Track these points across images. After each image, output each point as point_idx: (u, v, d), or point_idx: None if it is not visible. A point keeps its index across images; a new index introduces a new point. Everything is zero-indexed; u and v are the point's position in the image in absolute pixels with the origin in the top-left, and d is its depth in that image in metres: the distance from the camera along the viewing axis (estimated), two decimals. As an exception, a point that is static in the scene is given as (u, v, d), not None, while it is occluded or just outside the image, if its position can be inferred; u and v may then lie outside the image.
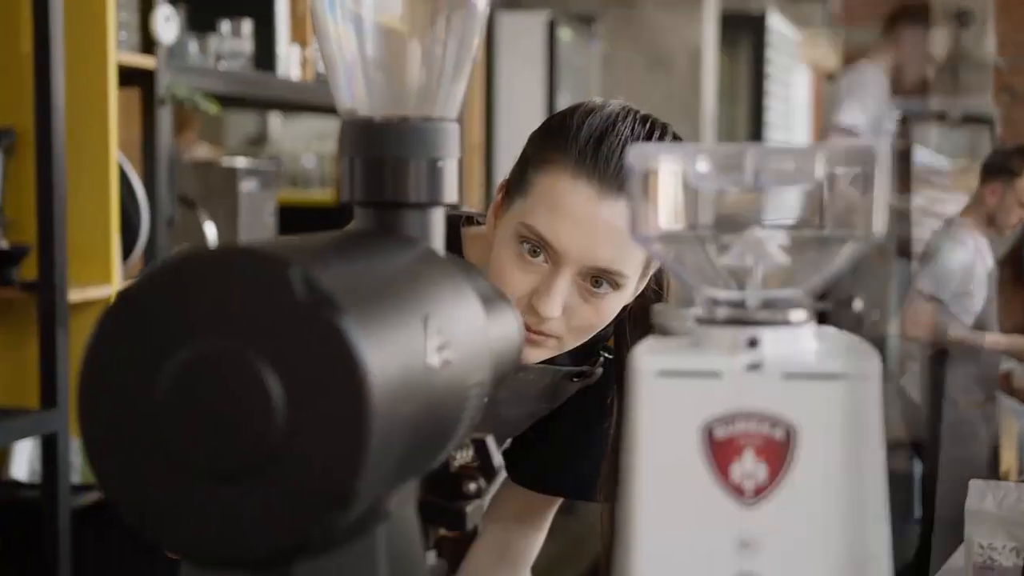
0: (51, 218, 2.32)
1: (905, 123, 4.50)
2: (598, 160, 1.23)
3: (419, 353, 0.68)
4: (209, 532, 0.63)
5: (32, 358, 2.37)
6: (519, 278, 1.26)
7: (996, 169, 4.35)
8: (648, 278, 1.35)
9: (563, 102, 6.48)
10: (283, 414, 0.61)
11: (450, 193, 0.83)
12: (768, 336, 0.70)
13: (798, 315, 0.72)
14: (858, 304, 4.30)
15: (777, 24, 7.43)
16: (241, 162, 3.12)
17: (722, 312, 0.72)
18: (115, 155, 2.48)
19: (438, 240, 0.83)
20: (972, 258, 4.23)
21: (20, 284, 2.35)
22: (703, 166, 0.72)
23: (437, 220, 0.83)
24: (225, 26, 2.96)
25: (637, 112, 1.29)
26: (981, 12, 9.32)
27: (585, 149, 1.24)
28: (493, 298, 0.88)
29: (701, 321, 0.73)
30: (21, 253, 2.36)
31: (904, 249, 4.89)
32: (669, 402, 0.70)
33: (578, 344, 1.32)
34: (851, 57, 9.83)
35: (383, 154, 0.81)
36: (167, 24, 2.61)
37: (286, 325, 0.62)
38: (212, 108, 2.73)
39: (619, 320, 1.36)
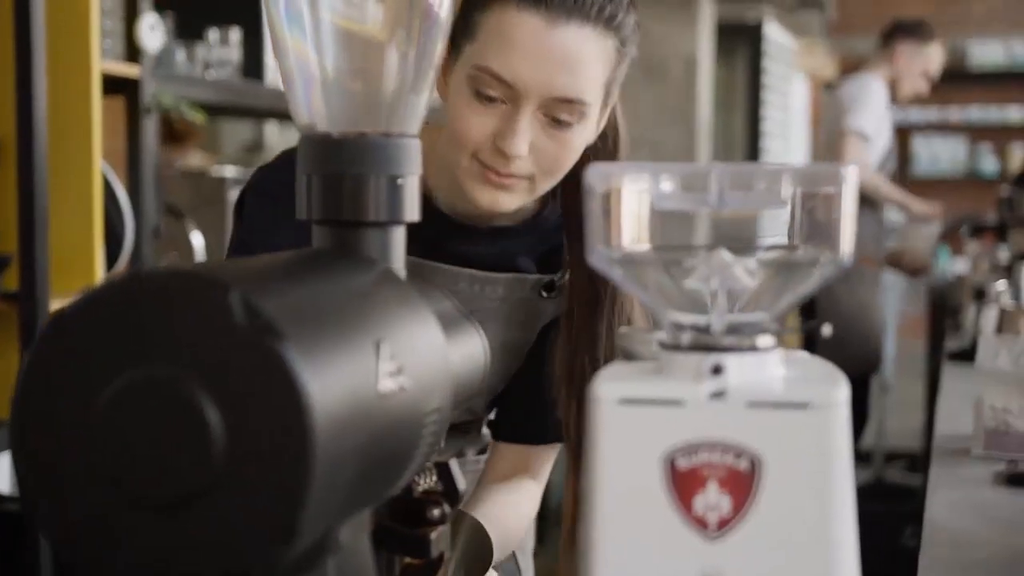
0: (32, 227, 2.29)
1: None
2: None
3: (370, 379, 0.65)
4: (144, 563, 0.60)
5: (13, 369, 2.34)
6: (478, 122, 1.23)
7: (903, 33, 4.47)
8: (609, 109, 1.31)
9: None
10: (222, 444, 0.59)
11: (411, 211, 0.81)
12: (733, 363, 0.68)
13: (765, 340, 0.69)
14: (827, 330, 4.33)
15: (774, 33, 7.41)
16: (231, 171, 3.10)
17: (686, 337, 0.70)
18: (99, 164, 2.45)
19: (398, 259, 0.81)
20: (884, 101, 4.42)
21: (1, 295, 2.33)
22: (667, 186, 0.69)
23: (398, 239, 0.81)
24: (213, 34, 2.94)
25: None
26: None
27: None
28: (455, 319, 0.86)
29: (665, 346, 0.70)
30: (2, 263, 2.33)
31: (895, 261, 4.92)
32: (630, 431, 0.67)
33: (549, 187, 1.29)
34: (848, 66, 9.82)
35: (341, 171, 0.79)
36: (152, 32, 2.59)
37: (226, 351, 0.59)
38: (198, 117, 2.71)
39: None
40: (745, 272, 0.69)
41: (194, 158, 3.97)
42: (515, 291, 1.36)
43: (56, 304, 2.36)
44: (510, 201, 1.27)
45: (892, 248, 4.75)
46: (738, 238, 0.71)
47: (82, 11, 2.43)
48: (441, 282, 1.33)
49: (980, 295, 3.22)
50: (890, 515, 4.74)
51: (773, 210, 0.69)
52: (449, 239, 1.36)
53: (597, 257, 0.70)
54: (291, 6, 0.80)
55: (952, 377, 2.73)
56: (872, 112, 4.35)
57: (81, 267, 2.44)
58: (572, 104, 1.21)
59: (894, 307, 6.22)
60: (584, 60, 1.21)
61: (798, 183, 0.68)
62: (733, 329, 0.70)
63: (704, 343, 0.69)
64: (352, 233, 0.79)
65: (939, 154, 10.09)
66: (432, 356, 0.75)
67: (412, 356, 0.71)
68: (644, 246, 0.71)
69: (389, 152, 0.80)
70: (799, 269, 0.70)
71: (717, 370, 0.68)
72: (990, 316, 2.95)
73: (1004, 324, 2.91)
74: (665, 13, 5.31)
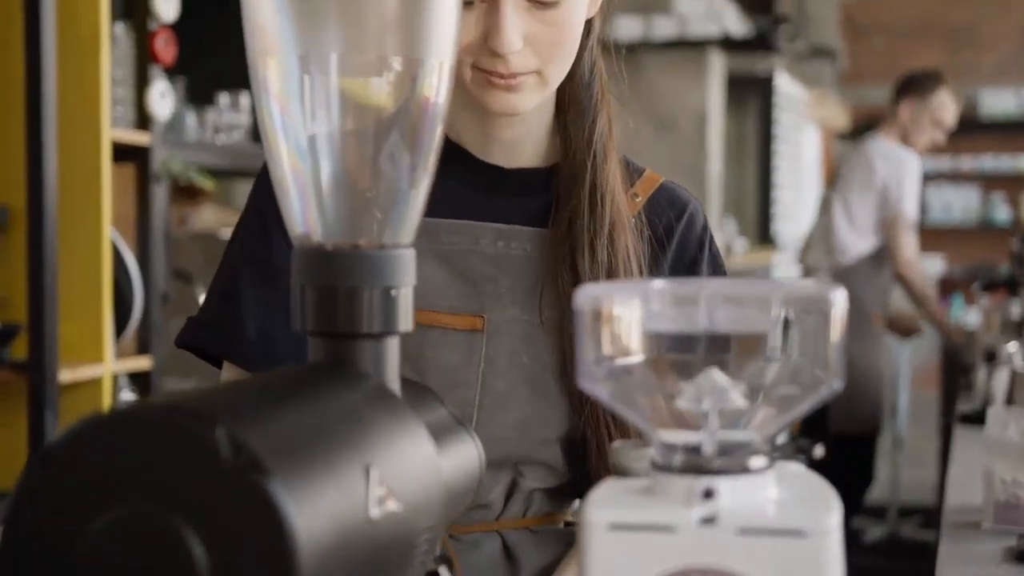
0: (42, 297, 2.30)
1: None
2: None
3: (359, 507, 0.65)
4: None
5: (21, 440, 2.34)
6: (463, 29, 1.14)
7: (905, 88, 4.47)
8: None
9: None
10: (208, 581, 0.58)
11: (405, 321, 0.81)
12: (725, 486, 0.67)
13: (757, 462, 0.69)
14: (819, 451, 4.35)
15: (785, 84, 7.43)
16: (240, 233, 3.10)
17: (677, 459, 0.69)
18: (108, 232, 2.46)
19: (392, 370, 0.80)
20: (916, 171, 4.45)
21: (10, 364, 2.33)
22: (656, 306, 0.69)
23: (391, 350, 0.81)
24: (223, 99, 2.96)
25: None
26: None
27: None
28: (448, 426, 0.86)
29: (656, 467, 0.70)
30: (12, 332, 2.34)
31: (898, 325, 4.91)
32: (621, 556, 0.67)
33: (562, 75, 1.20)
34: (860, 116, 9.86)
35: (335, 283, 0.79)
36: (162, 100, 2.61)
37: (212, 488, 0.59)
38: (207, 184, 2.72)
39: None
40: (737, 393, 0.69)
41: (208, 212, 3.99)
42: (543, 247, 1.25)
43: (65, 374, 2.36)
44: (523, 100, 1.19)
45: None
46: (729, 357, 0.71)
47: (93, 80, 2.45)
48: (460, 241, 1.25)
49: (991, 357, 3.21)
50: (904, 573, 4.70)
51: (763, 330, 0.69)
52: (476, 188, 1.28)
53: (586, 376, 0.70)
54: (286, 116, 0.81)
55: (963, 442, 2.72)
56: (911, 192, 4.39)
57: (90, 336, 2.45)
58: None
59: (907, 360, 6.20)
60: None
61: (788, 304, 0.68)
62: (724, 450, 0.69)
63: (695, 465, 0.69)
64: (346, 345, 0.79)
65: (952, 203, 10.08)
66: (424, 474, 0.74)
67: (403, 477, 0.71)
68: (633, 366, 0.71)
69: (383, 264, 0.80)
70: (791, 391, 0.69)
71: (708, 494, 0.67)
72: (1001, 379, 2.93)
73: (1016, 387, 2.89)
74: (675, 67, 5.33)
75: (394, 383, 0.80)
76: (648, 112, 5.25)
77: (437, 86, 0.81)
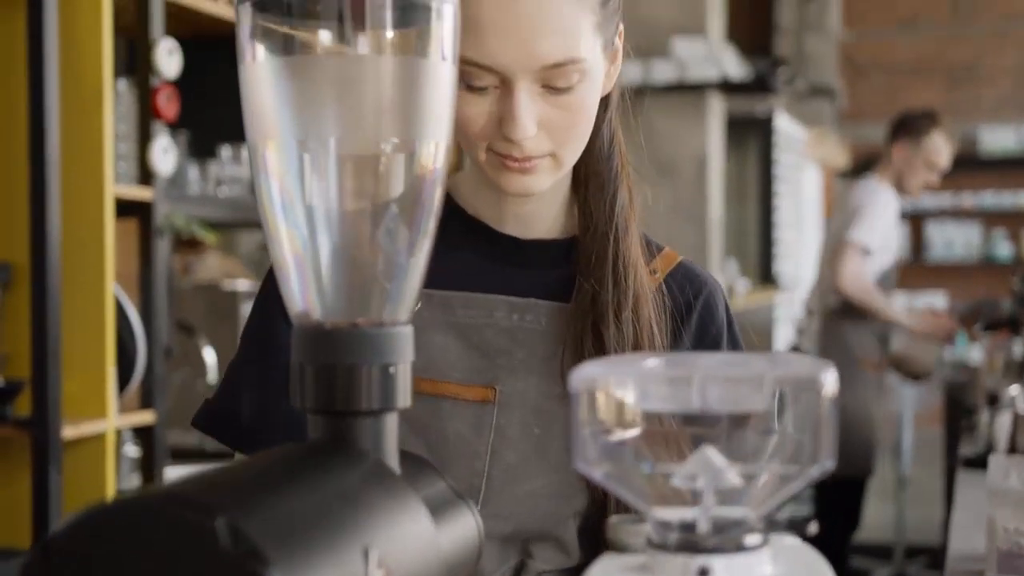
0: (45, 355, 2.31)
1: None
2: None
3: (358, 590, 0.66)
4: None
5: (24, 497, 2.35)
6: (477, 114, 1.14)
7: (898, 130, 4.47)
8: (619, 51, 1.23)
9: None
10: (209, 670, 0.59)
11: (404, 398, 0.82)
12: (720, 564, 0.68)
13: (752, 539, 0.70)
14: (813, 527, 4.40)
15: (784, 124, 7.47)
16: (244, 285, 3.13)
17: (672, 537, 0.70)
18: (111, 288, 2.48)
19: (390, 446, 0.81)
20: (892, 215, 4.41)
21: (14, 421, 2.34)
22: (650, 386, 0.70)
23: (390, 426, 0.82)
24: (225, 152, 2.99)
25: None
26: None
27: None
28: (448, 500, 0.86)
29: (652, 545, 0.71)
30: (15, 389, 2.35)
31: (897, 364, 4.90)
32: (617, 636, 0.67)
33: (576, 155, 1.19)
34: (860, 154, 9.91)
35: (334, 362, 0.80)
36: (165, 155, 2.63)
37: (212, 577, 0.60)
38: (209, 238, 2.74)
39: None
40: (732, 471, 0.70)
41: (212, 260, 4.01)
42: (559, 321, 1.24)
43: (68, 430, 2.37)
44: (538, 182, 1.18)
45: (895, 351, 4.74)
46: (724, 434, 0.72)
47: (96, 136, 2.47)
48: (475, 314, 1.24)
49: (994, 400, 3.21)
50: (912, 616, 4.68)
51: (756, 409, 0.70)
52: (492, 259, 1.27)
53: (580, 456, 0.71)
54: (284, 197, 0.82)
55: (966, 487, 2.71)
56: (878, 224, 4.37)
57: (93, 391, 2.46)
58: (564, 66, 1.12)
59: (911, 399, 6.19)
60: (560, 16, 1.12)
61: (780, 385, 0.69)
62: (719, 528, 0.70)
63: (690, 543, 0.69)
64: (345, 422, 0.80)
65: (953, 240, 10.11)
66: (422, 551, 0.75)
67: (401, 557, 0.71)
68: (628, 445, 0.72)
69: (381, 342, 0.81)
70: (785, 469, 0.70)
71: (704, 573, 0.68)
72: (1004, 422, 2.93)
73: (1019, 431, 2.89)
74: (675, 111, 5.36)
75: (393, 459, 0.81)
76: (648, 156, 5.28)
77: (434, 166, 0.83)
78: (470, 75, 1.12)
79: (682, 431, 0.72)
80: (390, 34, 0.79)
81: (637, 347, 1.21)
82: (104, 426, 2.48)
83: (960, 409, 4.63)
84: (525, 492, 1.22)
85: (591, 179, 1.27)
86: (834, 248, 4.43)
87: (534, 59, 1.11)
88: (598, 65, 1.17)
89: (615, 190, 1.26)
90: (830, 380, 0.69)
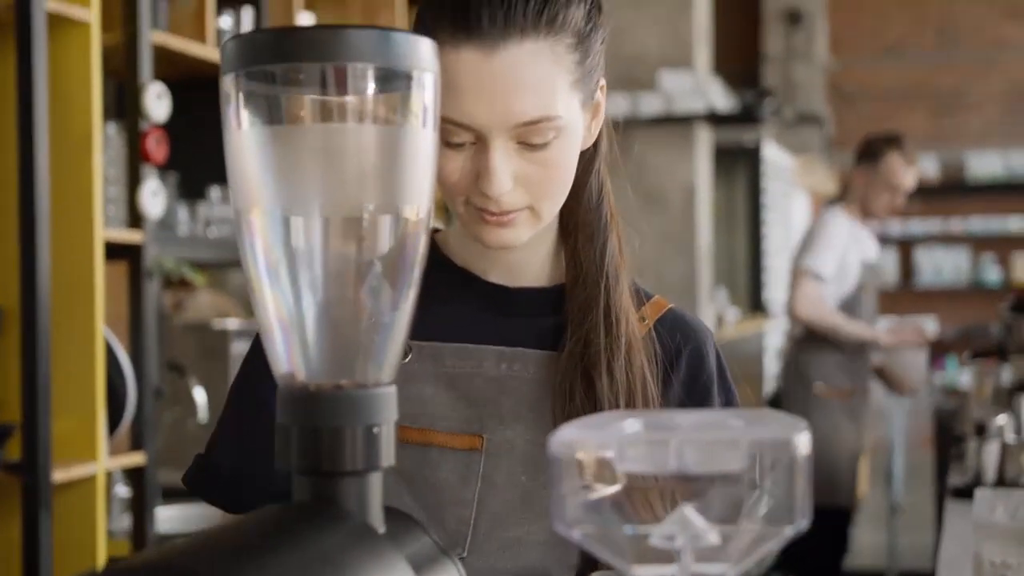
0: (35, 398, 2.32)
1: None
2: (470, 16, 1.12)
3: (342, 655, 0.67)
4: None
5: (15, 540, 2.35)
6: (455, 170, 1.16)
7: (858, 157, 4.48)
8: (600, 107, 1.24)
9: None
10: None
11: (387, 456, 0.83)
12: (699, 623, 0.69)
13: (730, 599, 0.71)
14: None
15: (772, 154, 7.51)
16: (233, 323, 3.14)
17: (652, 597, 0.71)
18: (101, 332, 2.49)
19: (375, 505, 0.83)
20: (846, 242, 4.38)
21: (4, 465, 2.35)
22: (628, 450, 0.72)
23: (375, 485, 0.83)
24: (215, 192, 3.00)
25: None
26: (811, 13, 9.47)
27: (455, 11, 1.13)
28: (432, 557, 0.88)
29: (632, 604, 0.72)
30: (6, 433, 2.35)
31: (884, 377, 4.89)
32: None
33: (555, 208, 1.20)
34: (848, 180, 9.95)
35: (319, 423, 0.81)
36: (154, 199, 2.65)
37: (199, 646, 0.61)
38: (198, 280, 2.75)
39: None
40: (710, 530, 0.71)
41: (203, 297, 4.02)
42: (548, 369, 1.25)
43: (59, 474, 2.38)
44: (517, 235, 1.20)
45: (879, 363, 4.73)
46: (702, 495, 0.73)
47: (85, 180, 2.49)
48: (464, 364, 1.25)
49: (981, 430, 3.22)
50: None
51: (733, 470, 0.71)
52: (480, 308, 1.28)
53: (559, 517, 0.72)
54: (269, 260, 0.84)
55: (954, 517, 2.72)
56: (830, 250, 4.37)
57: (84, 434, 2.47)
58: (539, 124, 1.14)
59: (902, 425, 6.21)
60: (537, 75, 1.14)
61: (754, 448, 0.70)
62: (698, 587, 0.71)
63: (670, 603, 0.71)
64: (330, 483, 0.81)
65: (942, 265, 10.15)
66: (407, 612, 0.76)
67: (386, 618, 0.73)
68: (607, 506, 0.73)
69: (365, 403, 0.82)
70: (761, 528, 0.71)
71: (683, 631, 0.69)
72: (992, 452, 2.94)
73: (1006, 460, 2.90)
74: (663, 143, 5.39)
75: (377, 518, 0.82)
76: (637, 187, 5.30)
77: (416, 229, 0.84)
78: (449, 133, 1.14)
79: (661, 491, 0.73)
80: (372, 103, 0.81)
81: (630, 395, 1.22)
82: (95, 468, 2.49)
83: (950, 435, 4.64)
84: (511, 539, 1.22)
85: (580, 229, 1.28)
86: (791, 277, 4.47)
87: (509, 117, 1.13)
88: (576, 121, 1.18)
89: (605, 239, 1.27)
90: (803, 442, 0.70)
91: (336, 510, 0.80)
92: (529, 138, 1.15)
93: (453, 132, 1.14)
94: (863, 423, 4.58)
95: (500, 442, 1.23)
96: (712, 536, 0.72)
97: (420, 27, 1.17)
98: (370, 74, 0.80)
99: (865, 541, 6.72)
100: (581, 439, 0.72)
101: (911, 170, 4.52)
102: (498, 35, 1.12)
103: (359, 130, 0.81)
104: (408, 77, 0.82)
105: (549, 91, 1.14)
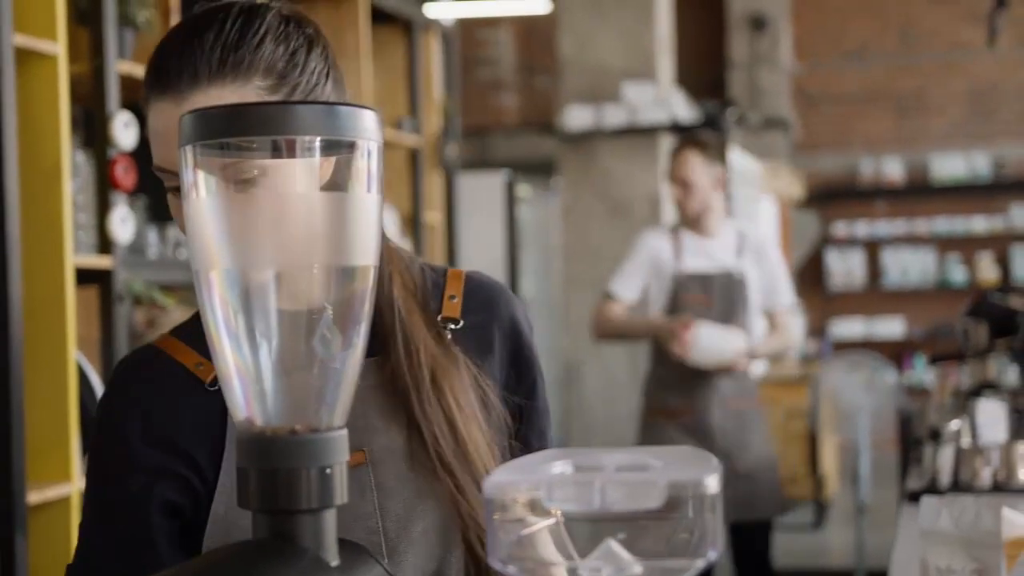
0: (9, 422, 2.37)
1: None
2: (162, 72, 1.20)
3: None
4: None
5: (-10, 564, 2.40)
6: (179, 217, 1.21)
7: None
8: None
9: (524, 255, 6.65)
10: None
11: (340, 495, 0.90)
12: (621, 649, 0.76)
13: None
14: None
15: (738, 160, 7.59)
16: (203, 342, 3.18)
17: (580, 626, 0.78)
18: (73, 355, 2.54)
19: (330, 540, 0.89)
20: (646, 257, 4.16)
21: (-23, 488, 2.40)
22: (556, 492, 0.79)
23: (329, 522, 0.90)
24: (183, 215, 3.06)
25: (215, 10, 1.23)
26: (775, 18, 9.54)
27: (155, 70, 1.21)
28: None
29: (562, 631, 0.79)
30: (-20, 457, 2.40)
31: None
32: None
33: None
34: (814, 183, 10.08)
35: (275, 465, 0.88)
36: (123, 225, 2.70)
37: None
38: (168, 303, 2.81)
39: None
40: (632, 562, 0.78)
41: (176, 315, 4.06)
42: (380, 374, 1.31)
43: (33, 495, 2.43)
44: None
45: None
46: (625, 529, 0.80)
47: (55, 208, 2.54)
48: None
49: (936, 435, 3.29)
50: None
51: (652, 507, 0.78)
52: None
53: (494, 554, 0.79)
54: (226, 316, 0.90)
55: (908, 521, 2.79)
56: (625, 271, 4.17)
57: (56, 458, 2.52)
58: (238, 164, 1.07)
59: (867, 424, 6.30)
60: None
61: (671, 489, 0.77)
62: (623, 614, 0.78)
63: (596, 630, 0.78)
64: (286, 520, 0.88)
65: (908, 266, 10.27)
66: (358, 641, 0.83)
67: (338, 648, 0.79)
68: (538, 543, 0.80)
69: (318, 446, 0.89)
70: (678, 561, 0.79)
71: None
72: (947, 456, 3.02)
73: (961, 464, 2.98)
74: (627, 153, 5.47)
75: (331, 553, 0.89)
76: (602, 197, 5.38)
77: (363, 282, 0.91)
78: (167, 179, 1.22)
79: (586, 527, 0.80)
80: (320, 170, 0.87)
81: (451, 422, 1.27)
82: (69, 489, 2.54)
83: (911, 437, 4.69)
84: (419, 532, 1.28)
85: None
86: None
87: None
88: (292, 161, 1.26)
89: (389, 274, 1.31)
90: (712, 482, 0.77)
91: (292, 546, 0.87)
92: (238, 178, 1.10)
93: (168, 178, 1.22)
94: (707, 437, 4.17)
95: (380, 449, 1.28)
96: (635, 568, 0.79)
97: (142, 91, 1.25)
98: (317, 144, 0.87)
99: (833, 540, 6.81)
100: (512, 482, 0.79)
101: (674, 161, 4.18)
102: (186, 86, 1.19)
103: (308, 195, 0.88)
104: (352, 146, 0.89)
105: None
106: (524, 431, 1.37)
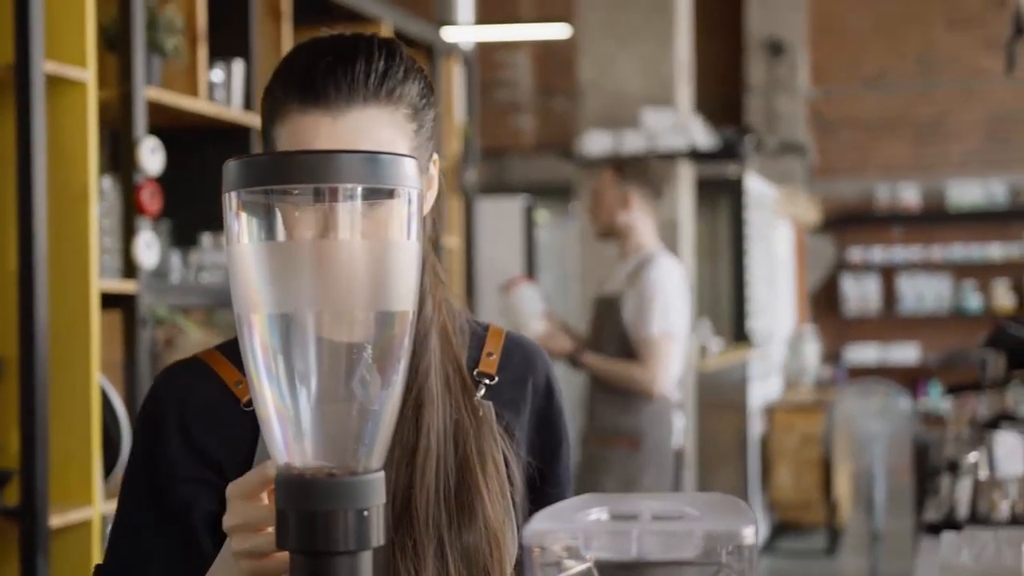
0: (33, 445, 2.39)
1: None
2: (317, 85, 1.21)
3: None
4: None
5: (13, 585, 2.42)
6: (299, 232, 1.21)
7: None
8: (434, 181, 1.32)
9: (542, 280, 6.67)
10: None
11: (377, 537, 0.91)
12: None
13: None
14: None
15: (755, 185, 7.61)
16: (223, 365, 3.20)
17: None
18: (97, 379, 2.56)
19: (366, 582, 0.91)
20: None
21: (2, 511, 2.41)
22: (594, 541, 0.80)
23: (365, 564, 0.91)
24: (206, 239, 3.08)
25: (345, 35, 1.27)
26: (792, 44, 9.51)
27: (304, 81, 1.22)
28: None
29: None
30: (5, 479, 2.42)
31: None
32: None
33: None
34: (831, 209, 10.07)
35: (314, 508, 0.89)
36: (148, 250, 2.72)
37: None
38: (191, 328, 2.83)
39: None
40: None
41: (194, 335, 4.08)
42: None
43: (55, 519, 2.44)
44: None
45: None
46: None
47: (82, 233, 2.56)
48: None
49: (954, 467, 3.29)
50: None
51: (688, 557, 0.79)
52: None
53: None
54: (267, 360, 0.92)
55: (927, 553, 2.79)
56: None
57: (79, 481, 2.54)
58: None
59: (882, 453, 6.29)
60: (378, 137, 1.23)
61: (707, 539, 0.78)
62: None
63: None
64: (323, 563, 0.89)
65: (924, 292, 10.25)
66: None
67: None
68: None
69: (356, 489, 0.90)
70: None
71: None
72: (964, 488, 3.01)
73: (979, 497, 2.97)
74: (645, 178, 5.47)
75: (368, 598, 0.90)
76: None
77: (402, 326, 0.93)
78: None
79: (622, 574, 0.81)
80: (361, 218, 0.89)
81: (414, 451, 1.26)
82: (90, 513, 2.56)
83: (928, 464, 4.67)
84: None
85: None
86: None
87: None
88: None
89: (421, 304, 1.30)
90: (750, 533, 0.78)
91: (330, 588, 0.88)
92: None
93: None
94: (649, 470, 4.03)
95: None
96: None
97: (269, 99, 1.25)
98: (358, 192, 0.89)
99: (848, 567, 6.79)
100: (551, 530, 0.80)
101: (596, 180, 4.22)
102: (343, 101, 1.21)
103: (349, 243, 0.89)
104: (392, 193, 0.90)
105: (389, 150, 1.21)
106: (541, 496, 1.35)
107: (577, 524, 0.80)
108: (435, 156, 1.34)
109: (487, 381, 1.33)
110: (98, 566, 1.32)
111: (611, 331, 4.06)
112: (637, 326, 3.98)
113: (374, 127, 1.23)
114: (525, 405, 1.36)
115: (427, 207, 1.33)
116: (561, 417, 1.39)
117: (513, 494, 1.29)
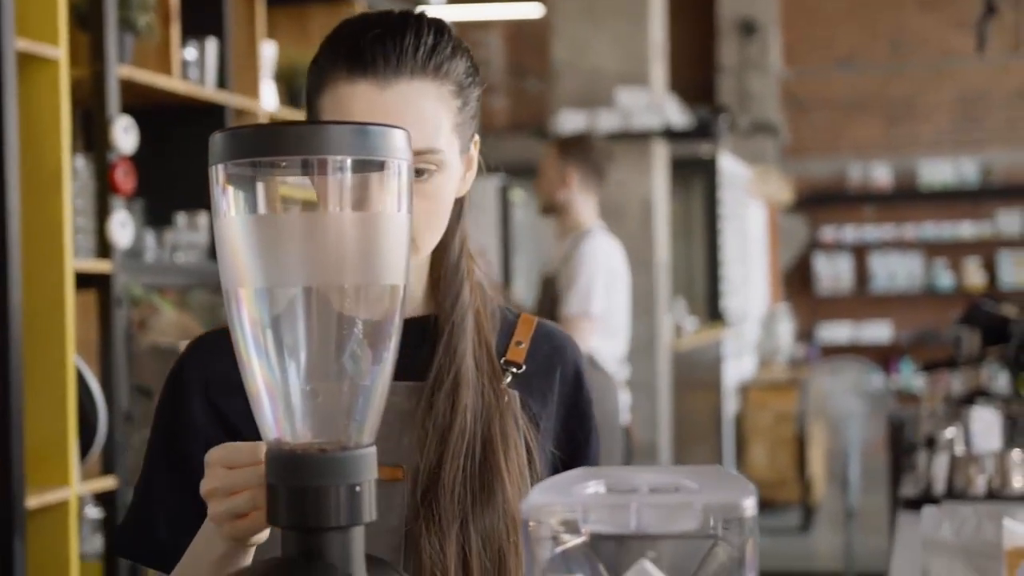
0: (8, 427, 2.36)
1: None
2: (365, 56, 1.22)
3: None
4: None
5: (-10, 566, 2.39)
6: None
7: None
8: (473, 161, 1.32)
9: (518, 261, 6.68)
10: None
11: (369, 512, 0.90)
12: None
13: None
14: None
15: (728, 164, 7.62)
16: (198, 345, 3.17)
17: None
18: (72, 359, 2.54)
19: (358, 557, 0.90)
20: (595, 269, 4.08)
21: (-22, 493, 2.39)
22: (592, 514, 0.79)
23: (357, 539, 0.90)
24: (181, 219, 3.06)
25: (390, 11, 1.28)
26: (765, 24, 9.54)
27: (351, 52, 1.22)
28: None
29: (595, 651, 0.79)
30: (-21, 461, 2.40)
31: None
32: None
33: (433, 243, 1.27)
34: (803, 188, 10.10)
35: (305, 484, 0.88)
36: (122, 229, 2.70)
37: None
38: (166, 307, 2.81)
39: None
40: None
41: (168, 315, 4.05)
42: (412, 397, 1.29)
43: (32, 500, 2.42)
44: None
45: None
46: (659, 549, 0.80)
47: (55, 212, 2.54)
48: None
49: (931, 442, 3.30)
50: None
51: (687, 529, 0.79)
52: None
53: (531, 573, 0.80)
54: (256, 335, 0.90)
55: (905, 528, 2.80)
56: None
57: (55, 462, 2.51)
58: (424, 155, 1.22)
59: (858, 432, 6.32)
60: (422, 111, 1.23)
61: (707, 511, 0.78)
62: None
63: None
64: (315, 538, 0.88)
65: (896, 271, 10.30)
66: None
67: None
68: (573, 562, 0.80)
69: (347, 464, 0.89)
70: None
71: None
72: (941, 464, 3.03)
73: (956, 472, 2.99)
74: (620, 158, 5.46)
75: (359, 569, 0.89)
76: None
77: (392, 300, 0.92)
78: None
79: (622, 548, 0.81)
80: (350, 190, 0.88)
81: (450, 425, 1.26)
82: (67, 494, 2.54)
83: (903, 441, 4.69)
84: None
85: (441, 279, 1.33)
86: None
87: None
88: (455, 162, 1.27)
89: (459, 286, 1.32)
90: (749, 504, 0.78)
91: (321, 564, 0.87)
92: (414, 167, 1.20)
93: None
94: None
95: (415, 471, 1.26)
96: (668, 587, 0.79)
97: (316, 70, 1.26)
98: (348, 164, 0.88)
99: (822, 544, 6.83)
100: (548, 504, 0.80)
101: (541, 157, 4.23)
102: (393, 72, 1.22)
103: (338, 215, 0.88)
104: (382, 165, 0.89)
105: (434, 126, 1.24)
106: None
107: (575, 497, 0.80)
108: (476, 138, 1.34)
109: (514, 370, 1.33)
110: (119, 526, 1.32)
111: (549, 309, 4.05)
112: (561, 305, 4.02)
113: (420, 99, 1.23)
114: (552, 395, 1.35)
115: (465, 187, 1.33)
116: (591, 407, 1.39)
117: (533, 480, 1.29)
